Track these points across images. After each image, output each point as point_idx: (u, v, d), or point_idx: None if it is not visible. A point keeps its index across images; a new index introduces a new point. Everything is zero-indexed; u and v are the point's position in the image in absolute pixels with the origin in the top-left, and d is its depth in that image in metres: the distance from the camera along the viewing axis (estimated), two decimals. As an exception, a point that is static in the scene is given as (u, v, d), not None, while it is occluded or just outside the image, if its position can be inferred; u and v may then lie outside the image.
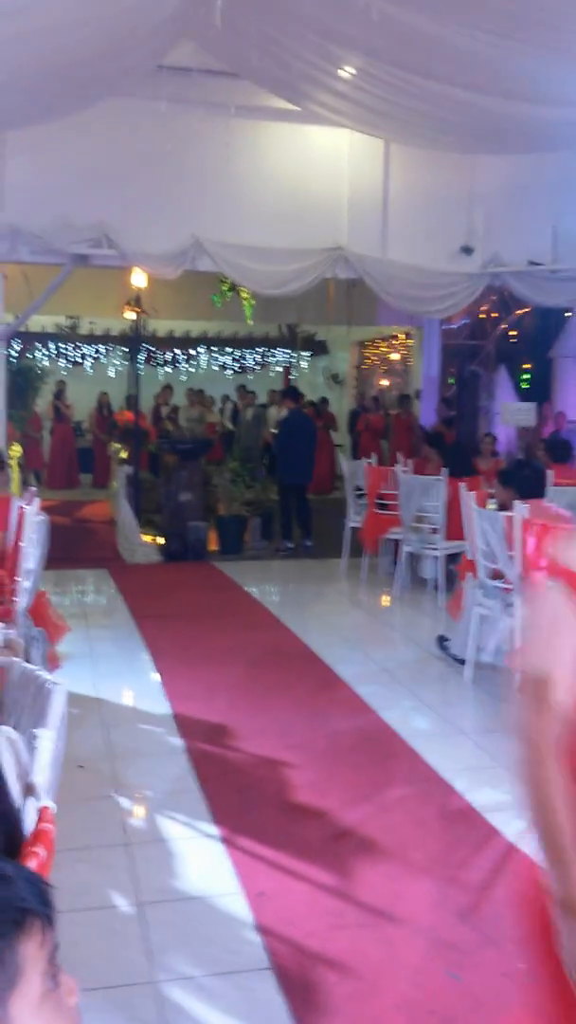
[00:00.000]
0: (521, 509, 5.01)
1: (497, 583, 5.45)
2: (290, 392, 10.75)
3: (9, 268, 9.52)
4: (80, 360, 17.58)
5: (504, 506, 5.39)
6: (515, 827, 3.71)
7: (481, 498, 6.05)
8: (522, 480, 5.48)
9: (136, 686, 5.59)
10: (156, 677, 5.66)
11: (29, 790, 1.53)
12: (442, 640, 6.01)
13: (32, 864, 1.26)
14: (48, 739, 1.62)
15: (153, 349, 17.54)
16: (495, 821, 3.75)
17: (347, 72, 7.67)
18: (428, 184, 10.33)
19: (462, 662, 5.66)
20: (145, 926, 2.97)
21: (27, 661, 4.36)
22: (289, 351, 18.35)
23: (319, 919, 3.04)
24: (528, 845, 3.14)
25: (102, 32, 6.32)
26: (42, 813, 1.39)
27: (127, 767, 4.26)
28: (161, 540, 9.96)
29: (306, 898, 3.17)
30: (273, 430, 13.18)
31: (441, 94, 7.55)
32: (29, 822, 1.45)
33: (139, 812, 3.85)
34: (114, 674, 5.71)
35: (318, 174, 10.14)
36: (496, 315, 13.41)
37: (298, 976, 2.73)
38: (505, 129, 8.53)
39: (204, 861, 3.42)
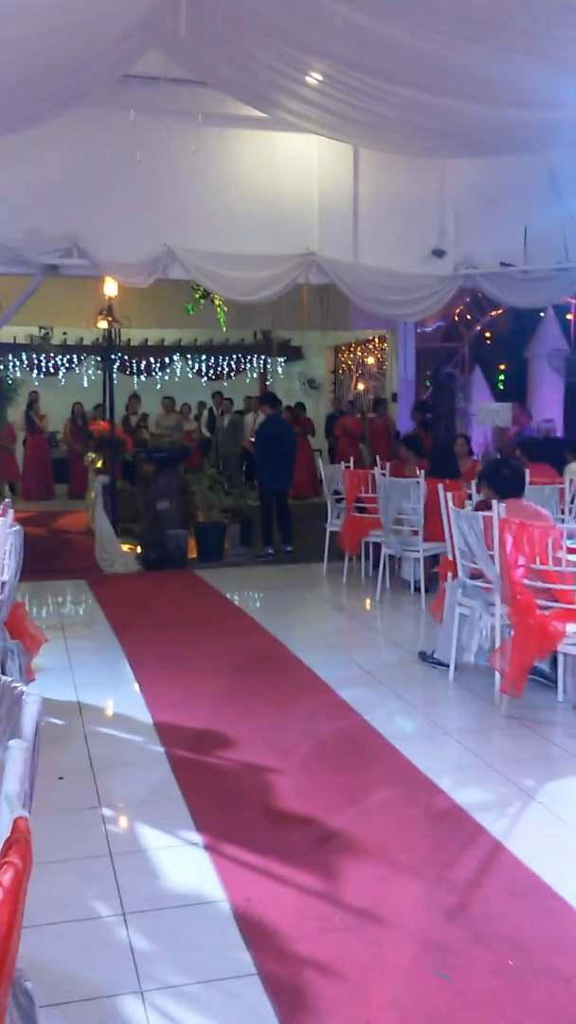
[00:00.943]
0: (499, 509, 5.02)
1: (478, 583, 5.46)
2: (267, 398, 10.76)
3: (-21, 279, 9.49)
4: (53, 370, 17.50)
5: (489, 505, 5.40)
6: (501, 825, 3.71)
7: (459, 499, 6.06)
8: (501, 479, 5.49)
9: (117, 696, 5.55)
10: (137, 687, 5.62)
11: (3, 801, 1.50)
12: (423, 655, 6.01)
13: (8, 875, 1.23)
14: (21, 749, 1.59)
15: (127, 357, 17.49)
16: (482, 819, 3.74)
17: (314, 79, 7.69)
18: (398, 188, 10.39)
19: (447, 666, 5.66)
20: (130, 936, 2.94)
21: (3, 673, 4.32)
22: (264, 357, 18.36)
23: (306, 923, 3.01)
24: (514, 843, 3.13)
25: (69, 41, 6.31)
26: (17, 824, 1.37)
27: (109, 777, 4.23)
28: (140, 549, 9.91)
29: (292, 903, 3.15)
30: (251, 438, 13.19)
31: (408, 99, 7.58)
32: (3, 834, 1.43)
33: (122, 822, 3.82)
34: (94, 684, 5.66)
35: (288, 180, 10.18)
36: (470, 317, 13.49)
37: (286, 981, 2.70)
38: (474, 132, 8.58)
39: (188, 869, 3.39)
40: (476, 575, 5.52)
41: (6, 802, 1.46)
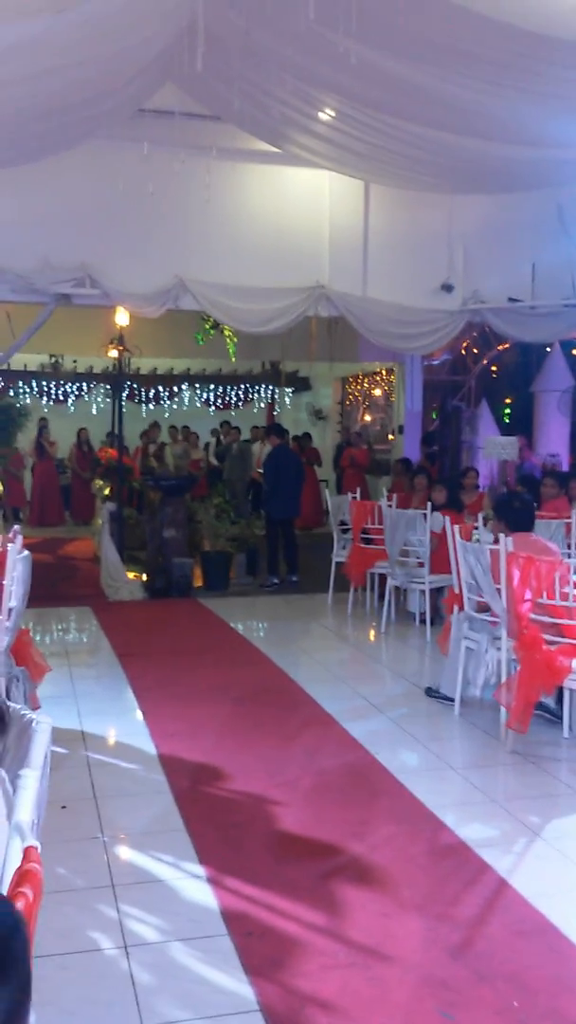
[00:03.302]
0: (506, 542, 5.03)
1: (484, 616, 5.45)
2: (275, 428, 10.80)
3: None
4: (62, 398, 17.60)
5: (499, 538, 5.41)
6: (506, 862, 3.68)
7: (466, 531, 6.07)
8: (512, 512, 5.50)
9: (120, 725, 5.53)
10: (140, 716, 5.60)
11: (14, 831, 1.50)
12: (430, 691, 5.99)
13: (19, 905, 1.23)
14: (33, 778, 1.59)
15: (136, 386, 17.60)
16: (486, 856, 3.71)
17: (326, 115, 7.80)
18: (408, 223, 10.50)
19: (452, 701, 5.64)
20: (132, 969, 2.91)
21: (8, 699, 4.31)
22: (272, 387, 18.45)
23: (308, 959, 2.99)
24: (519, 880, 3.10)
25: (87, 76, 6.41)
26: (28, 853, 1.36)
27: (111, 807, 4.21)
28: (145, 577, 9.91)
29: (295, 938, 3.12)
30: (259, 468, 13.24)
31: (419, 135, 7.68)
32: (14, 863, 1.43)
33: (124, 853, 3.79)
34: (98, 713, 5.65)
35: (299, 214, 10.28)
36: (477, 351, 13.56)
37: (287, 1018, 2.67)
38: (484, 169, 8.68)
39: (191, 902, 3.36)
40: (482, 608, 5.51)
41: (17, 831, 1.46)
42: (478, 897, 3.42)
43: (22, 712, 2.08)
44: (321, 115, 7.84)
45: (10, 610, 4.58)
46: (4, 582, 4.60)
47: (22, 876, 1.30)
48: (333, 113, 7.72)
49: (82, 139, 8.29)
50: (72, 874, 3.53)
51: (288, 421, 17.12)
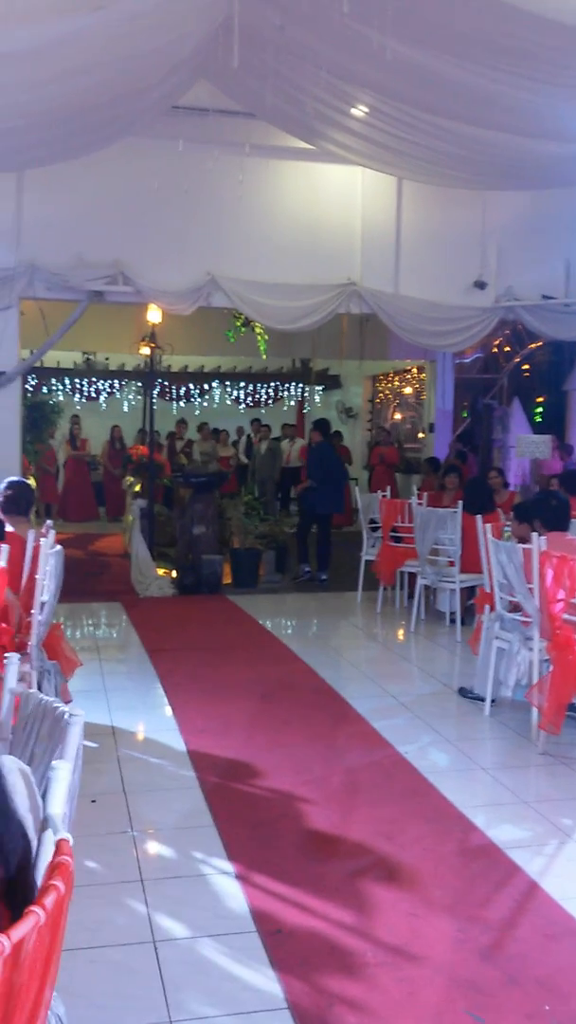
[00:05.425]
0: (539, 542, 4.98)
1: (515, 616, 5.40)
2: (318, 424, 10.80)
3: (25, 304, 9.63)
4: (94, 395, 17.71)
5: (521, 541, 5.35)
6: (537, 864, 3.64)
7: (497, 530, 6.02)
8: (548, 511, 5.45)
9: (150, 720, 5.55)
10: (170, 711, 5.62)
11: (45, 823, 1.50)
12: (463, 691, 5.95)
13: (50, 898, 1.23)
14: (66, 771, 1.59)
15: (167, 383, 17.66)
16: (517, 858, 3.67)
17: (360, 111, 7.77)
18: (441, 219, 10.44)
19: (483, 700, 5.59)
20: (160, 964, 2.92)
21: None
22: (302, 385, 18.44)
23: (337, 957, 2.97)
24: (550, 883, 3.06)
25: (122, 73, 6.44)
26: (60, 846, 1.36)
27: (141, 802, 4.22)
28: (175, 573, 9.95)
29: (324, 936, 3.11)
30: (294, 463, 13.31)
31: (453, 131, 7.63)
32: (46, 855, 1.43)
33: (153, 848, 3.80)
34: (127, 708, 5.67)
35: (331, 211, 10.26)
36: (509, 349, 13.45)
37: (316, 1016, 2.66)
38: (518, 166, 8.61)
39: (219, 898, 3.36)
40: (514, 608, 5.47)
41: (50, 824, 1.46)
42: (508, 899, 3.39)
43: (55, 705, 2.09)
44: (355, 111, 7.81)
45: (43, 604, 4.60)
46: (37, 576, 4.63)
47: (54, 869, 1.30)
48: (367, 109, 7.69)
49: (117, 137, 8.33)
50: (102, 868, 3.54)
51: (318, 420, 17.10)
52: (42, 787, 1.62)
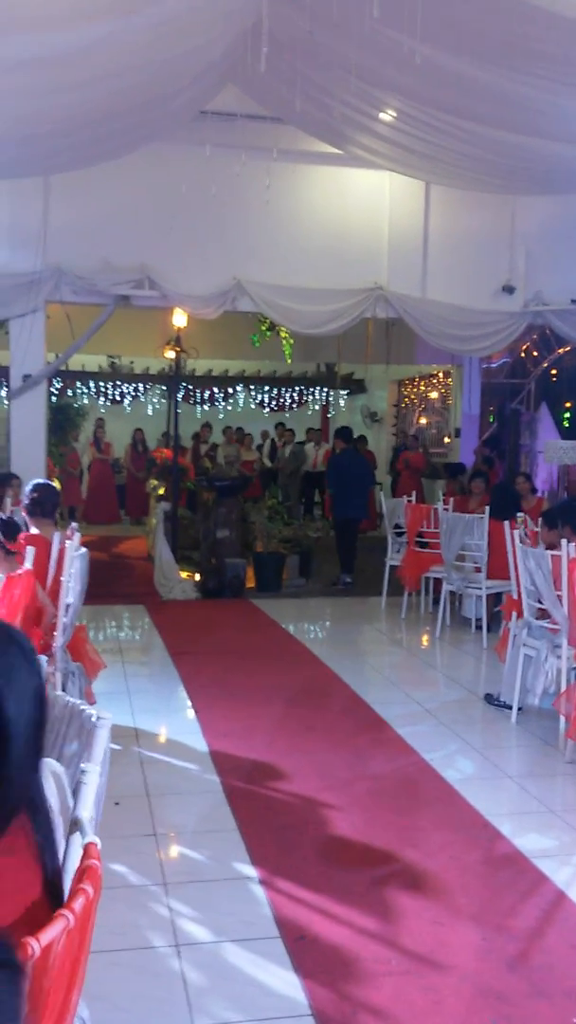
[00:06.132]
0: (569, 548, 4.93)
1: (543, 623, 5.35)
2: (341, 432, 10.77)
3: (51, 308, 9.68)
4: (119, 398, 17.78)
5: (550, 547, 5.30)
6: (564, 874, 3.60)
7: (533, 536, 5.98)
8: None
9: (173, 723, 5.55)
10: (192, 714, 5.61)
11: (74, 825, 1.49)
12: (490, 698, 5.90)
13: (79, 902, 1.22)
14: (95, 773, 1.58)
15: (191, 387, 17.70)
16: (543, 867, 3.63)
17: (388, 115, 7.75)
18: (468, 224, 10.39)
19: (510, 708, 5.55)
20: (183, 968, 2.91)
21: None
22: (327, 389, 18.41)
23: (361, 965, 2.95)
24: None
25: (151, 78, 6.45)
26: (88, 849, 1.36)
27: (164, 805, 4.21)
28: (198, 577, 9.95)
29: (347, 943, 3.08)
30: (318, 468, 13.27)
31: (481, 135, 7.59)
32: (74, 858, 1.42)
33: (176, 851, 3.79)
34: (151, 711, 5.67)
35: (358, 215, 10.25)
36: (536, 353, 13.37)
37: (339, 1023, 2.64)
38: (547, 170, 8.55)
39: (243, 903, 3.35)
40: (542, 615, 5.42)
41: (79, 827, 1.45)
42: (535, 908, 3.35)
43: (81, 707, 2.08)
44: (383, 115, 7.79)
45: (67, 606, 4.61)
46: (62, 578, 4.64)
47: (83, 872, 1.29)
48: (395, 113, 7.66)
49: (144, 142, 8.36)
50: (126, 871, 3.54)
51: (342, 424, 17.07)
52: (69, 789, 1.61)
